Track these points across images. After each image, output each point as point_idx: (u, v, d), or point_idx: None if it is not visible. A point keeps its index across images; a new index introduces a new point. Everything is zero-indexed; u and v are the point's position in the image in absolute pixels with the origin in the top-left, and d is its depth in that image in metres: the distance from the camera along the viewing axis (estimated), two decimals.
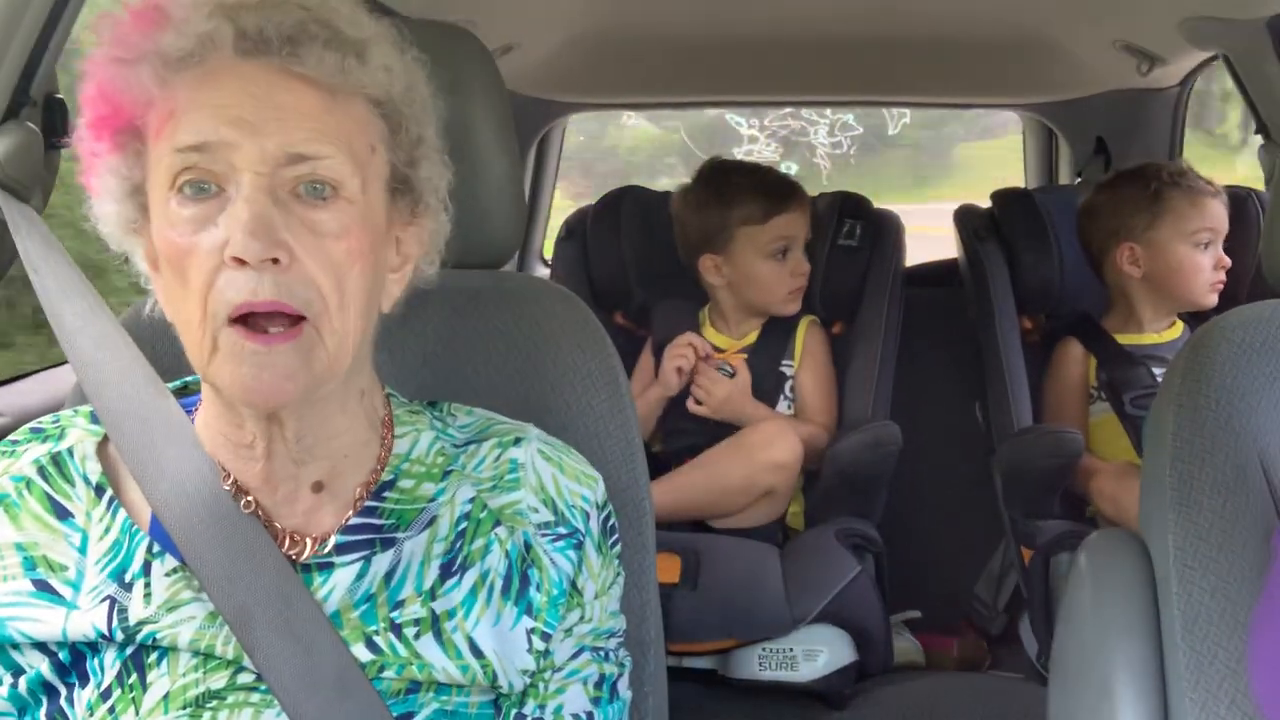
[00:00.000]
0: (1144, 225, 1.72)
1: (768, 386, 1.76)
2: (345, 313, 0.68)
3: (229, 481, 0.73)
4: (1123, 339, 1.76)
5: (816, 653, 1.47)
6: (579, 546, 0.78)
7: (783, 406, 1.77)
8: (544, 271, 2.59)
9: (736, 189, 1.75)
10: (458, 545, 0.75)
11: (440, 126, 0.76)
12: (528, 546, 0.76)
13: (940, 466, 2.04)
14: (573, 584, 0.77)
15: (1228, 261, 1.71)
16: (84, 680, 0.70)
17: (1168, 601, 0.82)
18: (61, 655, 0.70)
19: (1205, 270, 1.70)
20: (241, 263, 0.64)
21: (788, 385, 1.78)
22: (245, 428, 0.72)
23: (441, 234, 0.78)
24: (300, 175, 0.66)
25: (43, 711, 0.70)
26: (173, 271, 0.67)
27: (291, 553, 0.73)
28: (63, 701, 0.70)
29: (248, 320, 0.66)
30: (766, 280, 1.76)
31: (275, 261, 0.64)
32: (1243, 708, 0.77)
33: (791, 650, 1.47)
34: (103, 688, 0.69)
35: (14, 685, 0.70)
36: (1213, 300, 1.72)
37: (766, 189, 1.75)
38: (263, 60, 0.66)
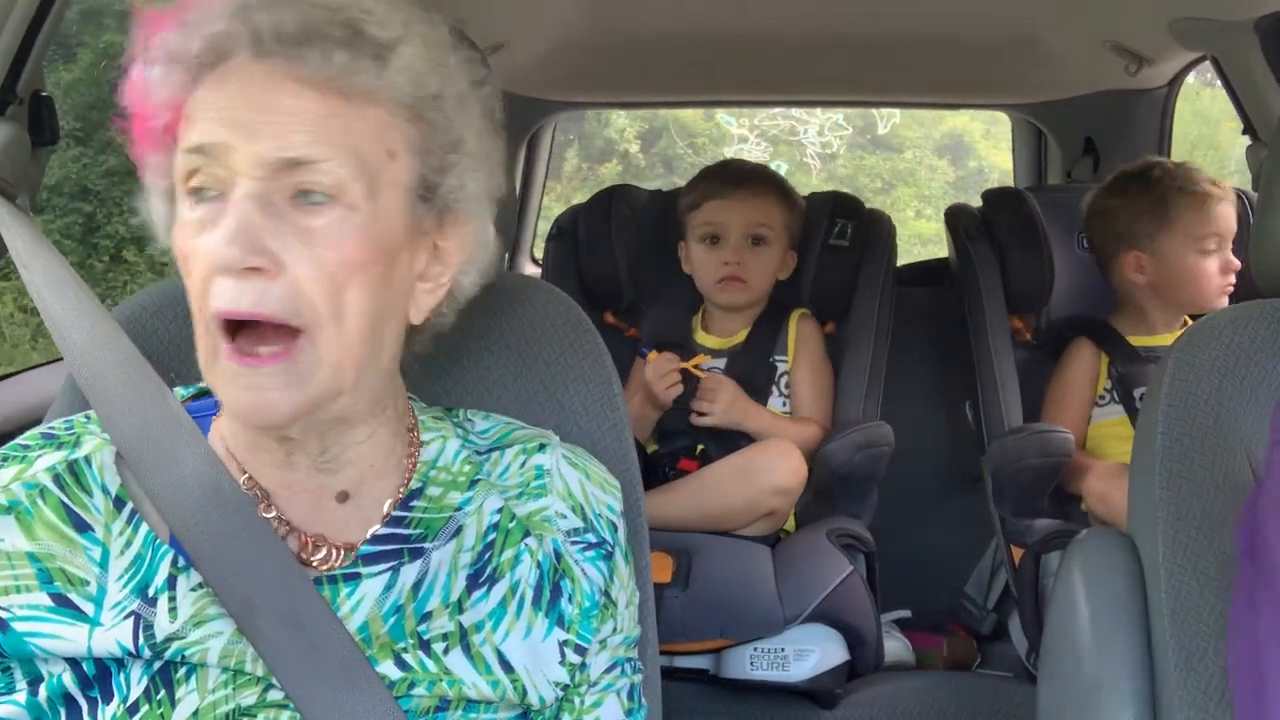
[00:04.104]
0: (1150, 233, 1.68)
1: (759, 382, 1.74)
2: (342, 325, 0.66)
3: (250, 485, 0.72)
4: (1135, 340, 1.73)
5: (808, 652, 1.47)
6: (609, 557, 0.77)
7: (777, 403, 1.75)
8: (534, 270, 2.58)
9: (694, 179, 1.81)
10: (486, 556, 0.74)
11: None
12: (558, 555, 0.76)
13: (930, 465, 2.04)
14: (606, 595, 0.77)
15: (1237, 264, 1.68)
16: (108, 696, 0.67)
17: (1157, 600, 0.82)
18: (85, 666, 0.68)
19: (1213, 276, 1.67)
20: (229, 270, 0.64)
21: (782, 380, 1.77)
22: (264, 439, 0.71)
23: (484, 245, 0.76)
24: (298, 181, 0.65)
25: None
26: (184, 273, 0.67)
27: (315, 560, 0.72)
28: (85, 716, 0.67)
29: (238, 338, 0.65)
30: (698, 266, 1.78)
31: (259, 270, 0.64)
32: (1232, 705, 0.77)
33: (783, 650, 1.47)
34: (129, 703, 0.67)
35: (33, 694, 0.67)
36: (1223, 304, 1.68)
37: (708, 175, 1.80)
38: (272, 62, 0.65)
